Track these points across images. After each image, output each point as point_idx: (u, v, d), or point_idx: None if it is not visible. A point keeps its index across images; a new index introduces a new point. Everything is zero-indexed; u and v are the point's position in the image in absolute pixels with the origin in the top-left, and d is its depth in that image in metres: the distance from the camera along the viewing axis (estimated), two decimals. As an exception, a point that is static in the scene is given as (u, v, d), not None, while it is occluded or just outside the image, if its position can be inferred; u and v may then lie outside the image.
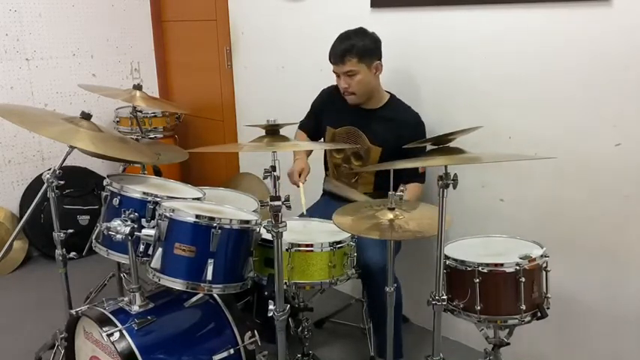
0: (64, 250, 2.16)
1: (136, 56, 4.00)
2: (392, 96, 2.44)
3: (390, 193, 1.84)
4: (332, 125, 2.50)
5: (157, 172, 2.70)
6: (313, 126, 2.60)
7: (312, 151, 2.58)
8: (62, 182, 2.02)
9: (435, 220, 1.61)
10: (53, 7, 3.58)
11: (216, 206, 2.08)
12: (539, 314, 1.81)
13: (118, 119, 3.68)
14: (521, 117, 2.23)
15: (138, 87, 2.60)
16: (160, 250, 1.84)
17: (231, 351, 1.94)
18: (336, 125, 2.48)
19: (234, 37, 3.49)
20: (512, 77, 2.23)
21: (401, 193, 1.90)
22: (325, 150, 2.62)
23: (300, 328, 2.18)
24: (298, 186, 2.28)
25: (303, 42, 3.03)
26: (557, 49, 2.10)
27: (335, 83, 2.46)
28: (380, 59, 2.33)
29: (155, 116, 3.67)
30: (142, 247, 1.93)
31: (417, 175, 2.35)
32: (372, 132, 2.40)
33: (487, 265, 1.78)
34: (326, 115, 2.55)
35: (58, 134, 1.96)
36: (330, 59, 2.32)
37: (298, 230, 2.11)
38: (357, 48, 2.26)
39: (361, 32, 2.31)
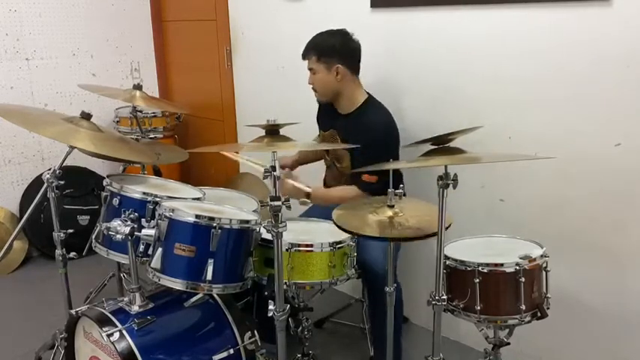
0: (64, 250, 2.15)
1: (136, 56, 4.00)
2: (367, 99, 2.38)
3: (389, 190, 1.84)
4: (322, 128, 2.58)
5: (157, 172, 2.70)
6: None
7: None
8: (62, 182, 2.02)
9: (434, 218, 1.61)
10: (53, 7, 3.58)
11: (216, 206, 2.08)
12: (539, 314, 1.81)
13: (118, 119, 3.68)
14: (521, 117, 2.23)
15: (138, 87, 2.60)
16: (159, 250, 1.84)
17: (231, 351, 1.94)
18: (323, 128, 2.55)
19: (234, 37, 3.48)
20: (512, 77, 2.23)
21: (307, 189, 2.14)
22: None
23: (300, 328, 2.18)
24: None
25: (303, 42, 3.01)
26: (556, 49, 2.09)
27: None
28: (343, 64, 2.29)
29: (155, 116, 3.68)
30: (142, 247, 1.94)
31: (360, 181, 2.27)
32: (344, 136, 2.41)
33: (487, 265, 1.78)
34: (319, 119, 2.62)
35: (58, 134, 1.96)
36: None
37: (298, 230, 2.11)
38: (318, 47, 2.31)
39: (335, 33, 2.32)
